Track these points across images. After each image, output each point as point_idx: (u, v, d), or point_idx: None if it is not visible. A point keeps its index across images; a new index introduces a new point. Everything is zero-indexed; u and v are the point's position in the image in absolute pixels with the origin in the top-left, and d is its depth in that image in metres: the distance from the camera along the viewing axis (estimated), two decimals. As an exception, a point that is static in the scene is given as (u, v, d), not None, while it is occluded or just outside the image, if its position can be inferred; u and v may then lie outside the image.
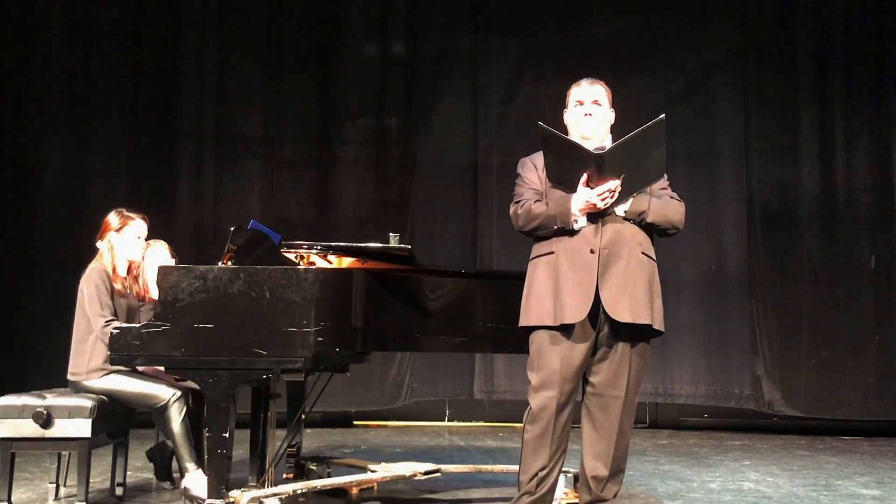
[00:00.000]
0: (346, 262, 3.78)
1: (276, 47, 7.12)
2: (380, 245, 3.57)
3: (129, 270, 4.01)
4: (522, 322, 3.03)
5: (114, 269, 3.89)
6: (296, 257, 3.68)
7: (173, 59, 7.07)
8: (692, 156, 6.90)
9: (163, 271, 3.22)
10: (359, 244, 3.65)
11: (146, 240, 4.06)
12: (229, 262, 3.33)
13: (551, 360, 2.92)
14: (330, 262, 3.80)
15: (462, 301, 3.59)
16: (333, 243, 3.75)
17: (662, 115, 2.82)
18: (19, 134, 6.85)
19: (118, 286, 3.88)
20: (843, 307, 6.64)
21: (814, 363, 6.63)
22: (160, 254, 4.29)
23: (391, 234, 3.60)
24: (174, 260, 4.27)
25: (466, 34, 7.20)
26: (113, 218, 3.96)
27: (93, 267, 3.87)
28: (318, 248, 3.68)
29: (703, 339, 6.79)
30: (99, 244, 3.94)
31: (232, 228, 3.39)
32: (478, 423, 7.04)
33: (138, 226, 3.97)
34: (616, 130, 3.10)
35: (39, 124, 6.87)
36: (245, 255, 3.40)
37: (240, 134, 7.09)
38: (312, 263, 3.69)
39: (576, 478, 3.59)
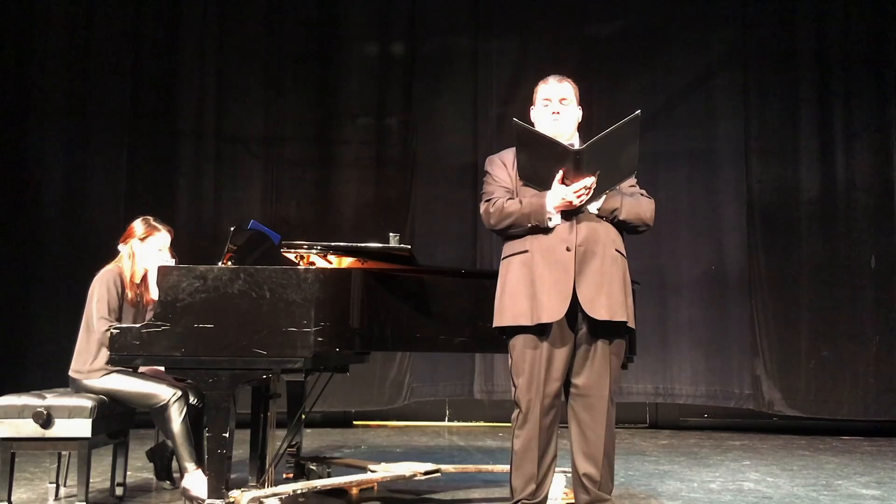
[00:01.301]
0: (346, 262, 3.78)
1: (276, 47, 7.12)
2: (380, 245, 3.57)
3: (143, 278, 4.00)
4: (497, 322, 3.01)
5: (131, 277, 3.89)
6: (296, 257, 3.68)
7: (173, 59, 7.07)
8: (692, 156, 6.91)
9: (163, 271, 3.22)
10: (359, 244, 3.65)
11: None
12: (229, 262, 3.33)
13: (534, 362, 2.91)
14: (330, 262, 3.80)
15: (462, 301, 3.59)
16: (333, 243, 3.76)
17: (638, 111, 2.82)
18: (19, 133, 6.84)
19: (130, 294, 3.87)
20: (843, 307, 6.64)
21: (814, 363, 6.63)
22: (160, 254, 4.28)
23: (391, 234, 3.60)
24: (174, 260, 4.27)
25: (466, 34, 7.20)
26: (139, 226, 3.94)
27: (108, 268, 3.87)
28: (318, 248, 3.68)
29: (703, 339, 6.79)
30: (121, 248, 3.93)
31: (232, 228, 3.39)
32: (478, 423, 7.04)
33: (162, 238, 3.95)
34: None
35: (39, 124, 6.87)
36: (245, 255, 3.40)
37: (240, 134, 7.09)
38: (312, 263, 3.70)
39: (575, 478, 3.59)
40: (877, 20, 6.88)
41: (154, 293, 3.89)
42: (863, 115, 6.82)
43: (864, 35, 6.88)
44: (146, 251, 3.92)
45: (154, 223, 3.96)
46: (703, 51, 7.03)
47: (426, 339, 3.56)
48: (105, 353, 3.65)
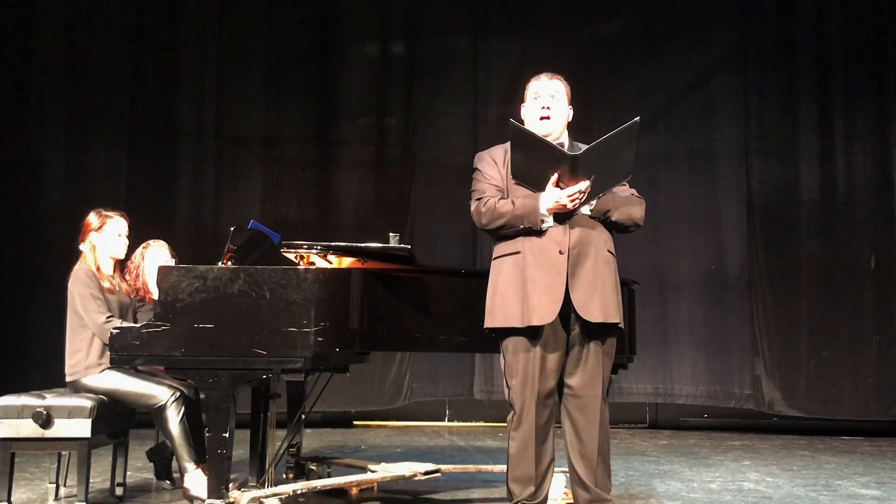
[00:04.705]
0: (346, 262, 3.77)
1: (276, 47, 7.12)
2: (380, 245, 3.57)
3: (115, 268, 4.01)
4: (488, 323, 3.01)
5: (98, 269, 3.90)
6: (296, 257, 3.68)
7: (173, 59, 7.07)
8: (692, 156, 6.91)
9: (163, 271, 3.22)
10: (359, 244, 3.65)
11: (128, 236, 4.05)
12: (229, 262, 3.33)
13: (527, 363, 2.91)
14: (330, 262, 3.80)
15: (462, 301, 3.59)
16: (333, 243, 3.75)
17: (637, 118, 2.82)
18: (19, 134, 6.84)
19: (106, 284, 3.89)
20: (843, 307, 6.64)
21: (814, 363, 6.63)
22: (160, 254, 4.29)
23: (391, 234, 3.60)
24: (174, 260, 4.27)
25: (466, 34, 7.20)
26: (93, 218, 3.97)
27: (78, 267, 3.88)
28: (318, 248, 3.68)
29: (703, 339, 6.79)
30: (81, 246, 3.95)
31: (232, 228, 3.39)
32: (478, 423, 7.04)
33: (118, 223, 3.98)
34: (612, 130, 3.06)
35: (39, 124, 6.87)
36: (245, 255, 3.40)
37: (240, 134, 7.09)
38: (312, 263, 3.69)
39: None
40: (877, 20, 6.88)
41: (154, 293, 3.90)
42: (863, 115, 6.83)
43: (865, 35, 6.88)
44: (106, 239, 3.94)
45: (106, 212, 3.99)
46: (703, 51, 7.03)
47: (426, 339, 3.56)
48: (98, 349, 3.68)
